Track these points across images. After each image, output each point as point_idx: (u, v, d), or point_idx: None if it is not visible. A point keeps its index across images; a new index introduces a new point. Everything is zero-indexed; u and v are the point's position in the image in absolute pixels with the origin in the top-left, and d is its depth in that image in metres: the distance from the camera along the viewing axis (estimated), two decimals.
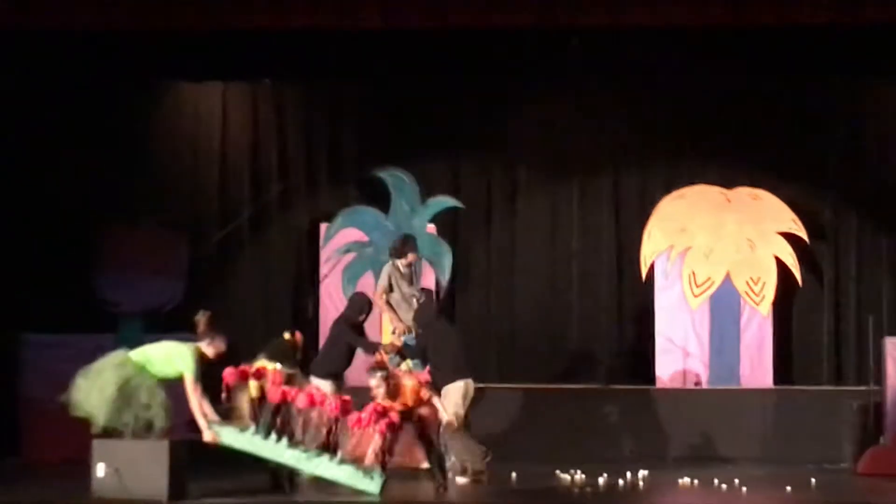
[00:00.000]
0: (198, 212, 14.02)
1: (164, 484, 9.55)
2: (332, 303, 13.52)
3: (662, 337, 13.54)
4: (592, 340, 13.85)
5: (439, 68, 13.10)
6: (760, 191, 13.66)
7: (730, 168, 13.86)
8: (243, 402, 10.22)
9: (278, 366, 10.40)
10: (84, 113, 13.56)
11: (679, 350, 13.50)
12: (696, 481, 10.97)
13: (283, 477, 10.37)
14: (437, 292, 13.59)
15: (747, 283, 13.49)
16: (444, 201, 13.74)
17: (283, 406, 10.16)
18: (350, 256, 13.56)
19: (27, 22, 10.97)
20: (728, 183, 13.75)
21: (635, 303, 13.86)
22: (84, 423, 10.49)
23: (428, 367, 11.12)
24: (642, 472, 11.15)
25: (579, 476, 10.98)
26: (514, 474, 11.20)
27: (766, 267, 13.48)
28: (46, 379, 12.63)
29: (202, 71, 13.30)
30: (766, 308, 13.46)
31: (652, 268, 13.59)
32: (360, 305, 11.68)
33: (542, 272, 13.96)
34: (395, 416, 10.20)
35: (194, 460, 10.10)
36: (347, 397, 10.40)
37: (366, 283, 13.49)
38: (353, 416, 10.22)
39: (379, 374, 10.43)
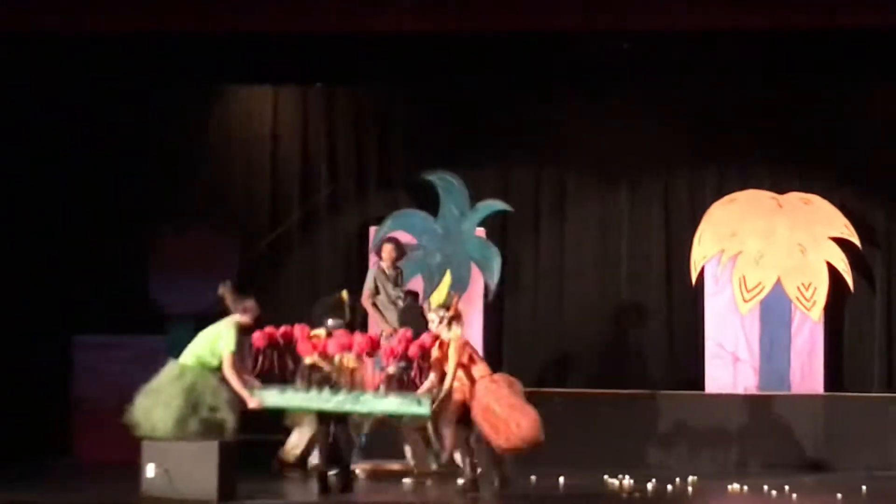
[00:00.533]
0: (248, 215, 14.08)
1: (214, 485, 9.60)
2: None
3: (712, 342, 13.46)
4: (641, 345, 13.77)
5: (489, 71, 13.07)
6: (812, 195, 13.56)
7: (781, 172, 13.76)
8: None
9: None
10: (136, 116, 13.65)
11: (729, 355, 13.42)
12: (745, 487, 10.93)
13: (331, 477, 10.40)
14: (486, 296, 13.62)
15: (798, 288, 13.39)
16: (494, 205, 13.73)
17: (319, 357, 10.34)
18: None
19: (82, 26, 11.04)
20: (779, 187, 13.66)
21: (685, 308, 13.78)
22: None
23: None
24: (691, 478, 11.11)
25: (628, 481, 10.94)
26: (561, 479, 11.18)
27: (817, 272, 13.38)
28: (98, 380, 12.81)
29: (253, 75, 13.34)
30: (817, 314, 13.36)
31: (702, 272, 13.52)
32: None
33: (591, 276, 13.90)
34: (427, 340, 10.17)
35: (244, 461, 10.16)
36: (374, 335, 10.59)
37: (414, 286, 13.52)
38: (386, 348, 10.30)
39: (443, 312, 10.37)
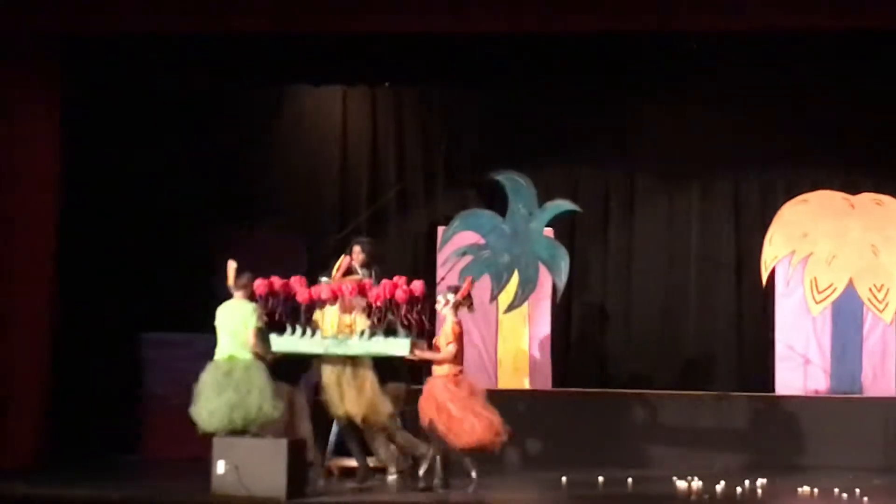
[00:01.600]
0: (316, 214, 14.14)
1: (283, 482, 9.64)
2: None
3: (782, 344, 13.34)
4: (711, 346, 13.69)
5: (558, 71, 13.04)
6: (884, 196, 13.41)
7: (853, 173, 13.63)
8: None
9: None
10: (206, 116, 13.77)
11: (799, 357, 13.30)
12: (815, 490, 10.81)
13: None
14: (554, 296, 13.59)
15: (870, 290, 13.25)
16: (562, 205, 13.66)
17: (314, 304, 10.80)
18: (467, 259, 13.54)
19: (153, 26, 11.14)
20: (850, 188, 13.52)
21: (755, 309, 13.68)
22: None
23: None
24: (761, 481, 11.02)
25: (696, 483, 10.87)
26: (629, 480, 11.14)
27: (890, 274, 13.23)
28: (167, 377, 12.90)
29: (323, 75, 13.39)
30: (889, 316, 13.21)
31: (772, 273, 13.40)
32: None
33: (660, 276, 13.83)
34: (417, 287, 10.50)
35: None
36: (365, 280, 11.02)
37: (482, 286, 13.51)
38: (373, 293, 10.64)
39: (451, 295, 10.67)
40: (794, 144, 13.66)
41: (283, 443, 9.80)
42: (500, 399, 12.95)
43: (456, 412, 10.49)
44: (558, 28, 10.96)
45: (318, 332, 10.71)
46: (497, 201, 13.73)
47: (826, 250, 13.35)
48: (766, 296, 13.49)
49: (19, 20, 11.12)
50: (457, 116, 14.14)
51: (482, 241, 13.55)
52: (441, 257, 13.60)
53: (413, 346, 10.66)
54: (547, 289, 13.55)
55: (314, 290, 10.74)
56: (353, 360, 10.87)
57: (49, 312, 11.67)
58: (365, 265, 12.03)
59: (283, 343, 10.70)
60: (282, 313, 10.73)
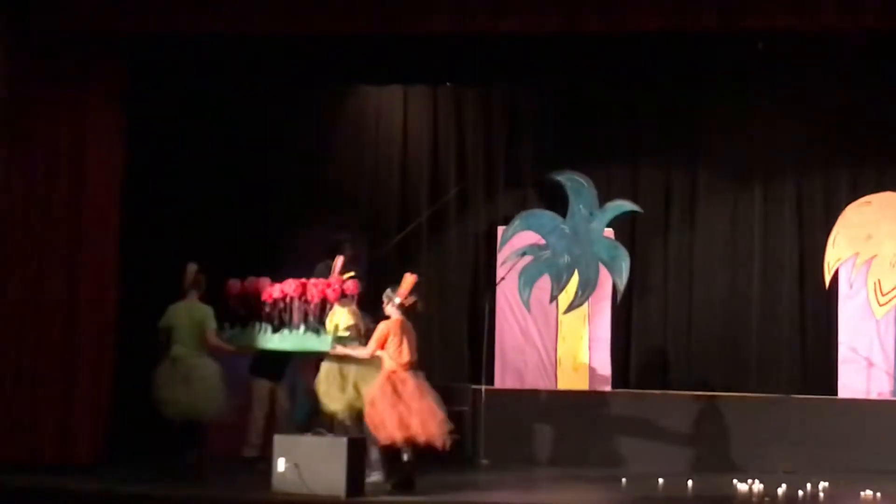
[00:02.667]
0: (377, 214, 14.18)
1: (343, 480, 9.67)
2: (508, 305, 13.55)
3: (846, 346, 13.21)
4: (773, 348, 13.56)
5: (619, 71, 12.97)
6: None
7: None
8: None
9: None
10: (269, 116, 13.84)
11: (863, 360, 13.17)
12: (878, 494, 10.70)
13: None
14: (614, 297, 13.54)
15: None
16: (623, 205, 13.65)
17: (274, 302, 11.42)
18: (527, 259, 13.56)
19: (217, 26, 11.21)
20: None
21: (818, 311, 13.55)
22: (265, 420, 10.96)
23: None
24: (823, 484, 10.93)
25: (758, 486, 10.80)
26: (689, 482, 11.09)
27: None
28: (230, 374, 12.95)
29: (384, 75, 13.42)
30: None
31: (836, 275, 13.29)
32: None
33: (721, 278, 13.73)
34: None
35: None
36: (313, 280, 11.41)
37: (542, 286, 13.51)
38: (313, 292, 11.11)
39: (397, 300, 10.82)
40: (858, 145, 13.53)
41: (343, 441, 9.84)
42: (560, 400, 13.04)
43: (383, 408, 10.47)
44: (620, 27, 10.88)
45: (269, 329, 11.24)
46: (558, 201, 13.75)
47: (890, 252, 13.22)
48: (829, 298, 13.37)
49: (87, 20, 11.22)
50: (517, 116, 14.12)
51: (542, 242, 13.57)
52: (501, 257, 13.61)
53: (338, 342, 10.94)
54: (607, 289, 13.53)
55: (282, 285, 11.32)
56: (348, 359, 11.06)
57: (114, 308, 11.75)
58: (348, 263, 12.06)
59: (239, 338, 11.41)
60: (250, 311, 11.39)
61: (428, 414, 10.54)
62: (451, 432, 10.63)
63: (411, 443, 10.45)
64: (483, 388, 12.88)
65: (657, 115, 13.80)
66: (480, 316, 13.48)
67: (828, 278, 13.27)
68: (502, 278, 13.42)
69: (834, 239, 13.29)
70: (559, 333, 13.53)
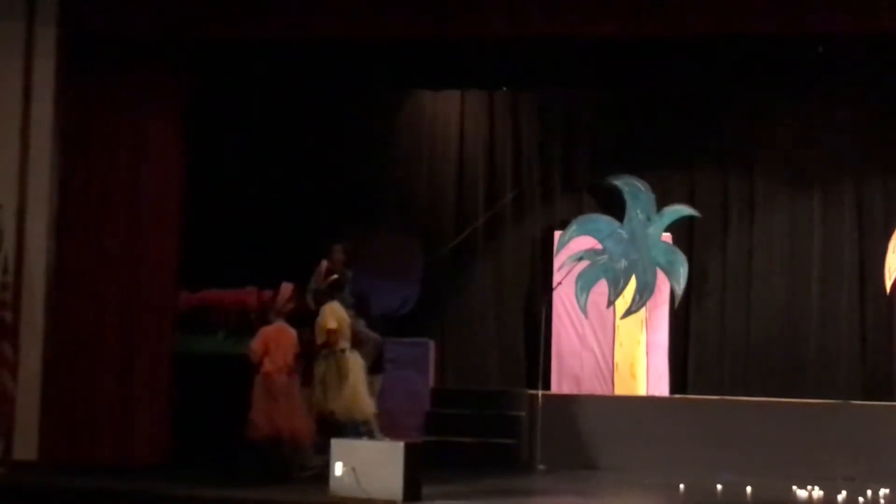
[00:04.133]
0: (433, 218, 14.20)
1: (400, 485, 9.68)
2: (564, 310, 13.52)
3: None
4: (831, 354, 13.45)
5: (676, 75, 12.91)
6: None
7: None
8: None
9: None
10: (326, 120, 13.90)
11: None
12: None
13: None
14: (672, 302, 13.48)
15: None
16: (680, 210, 13.59)
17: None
18: (584, 264, 13.52)
19: (276, 33, 11.25)
20: None
21: (877, 316, 13.42)
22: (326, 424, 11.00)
23: None
24: (883, 491, 10.83)
25: (817, 492, 10.71)
26: (748, 488, 11.02)
27: None
28: None
29: (440, 79, 13.43)
30: None
31: None
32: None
33: (780, 283, 13.63)
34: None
35: (429, 463, 10.24)
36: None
37: (599, 291, 13.47)
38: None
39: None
40: None
41: (399, 446, 9.84)
42: (617, 405, 12.98)
43: (256, 406, 11.18)
44: (679, 30, 10.82)
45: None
46: (615, 206, 13.69)
47: None
48: (889, 303, 13.24)
49: (146, 30, 11.30)
50: (574, 120, 14.10)
51: (599, 247, 13.53)
52: (557, 262, 13.58)
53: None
54: (665, 294, 13.48)
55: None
56: (339, 358, 11.32)
57: (172, 315, 11.84)
58: (343, 266, 12.17)
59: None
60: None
61: (295, 413, 11.15)
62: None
63: (277, 438, 11.05)
64: (540, 393, 12.85)
65: (715, 119, 13.73)
66: (537, 321, 13.45)
67: (888, 284, 13.13)
68: (559, 283, 13.39)
69: (894, 244, 13.15)
70: (616, 338, 13.49)
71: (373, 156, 14.13)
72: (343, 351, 11.41)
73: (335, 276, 11.97)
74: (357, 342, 11.75)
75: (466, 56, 12.39)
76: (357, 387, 11.29)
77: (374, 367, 12.11)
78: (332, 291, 11.73)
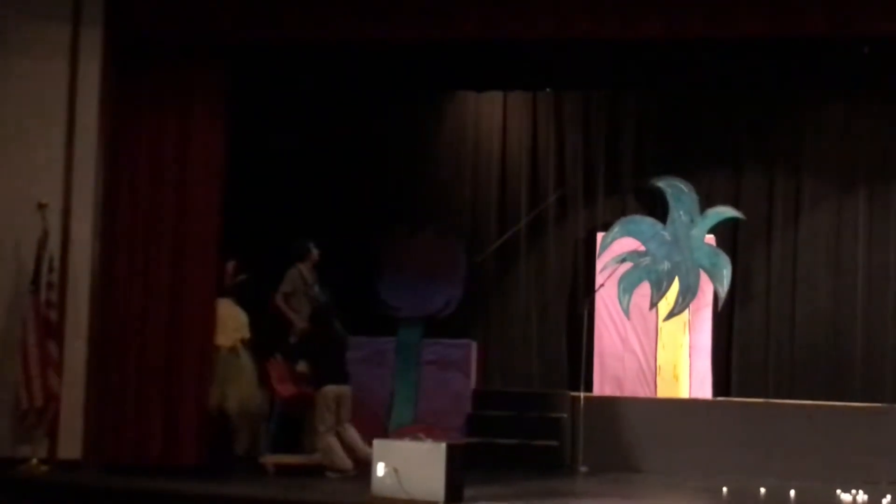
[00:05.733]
0: (476, 219, 14.20)
1: (442, 486, 9.67)
2: (607, 312, 13.48)
3: None
4: (877, 357, 13.33)
5: (721, 76, 12.83)
6: None
7: None
8: None
9: None
10: (369, 122, 13.93)
11: None
12: None
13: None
14: (716, 304, 13.42)
15: None
16: (724, 212, 13.52)
17: None
18: (626, 266, 13.49)
19: (321, 35, 11.27)
20: None
21: None
22: (367, 424, 11.01)
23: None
24: None
25: (861, 497, 10.64)
26: (792, 492, 10.95)
27: None
28: None
29: (483, 81, 13.41)
30: None
31: None
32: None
33: (826, 285, 13.53)
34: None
35: (471, 464, 10.23)
36: None
37: (642, 293, 13.42)
38: None
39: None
40: None
41: (442, 447, 9.84)
42: (659, 407, 12.94)
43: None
44: (724, 31, 10.76)
45: None
46: (658, 208, 13.65)
47: None
48: None
49: (194, 28, 11.36)
50: (617, 121, 14.05)
51: (642, 248, 13.49)
52: (600, 264, 13.54)
53: None
54: (708, 297, 13.41)
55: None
56: (228, 356, 11.86)
57: (215, 312, 11.87)
58: (314, 266, 12.44)
59: None
60: None
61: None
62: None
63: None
64: (582, 395, 12.83)
65: (760, 120, 13.66)
66: (579, 323, 13.42)
67: None
68: (601, 285, 13.35)
69: None
70: (659, 341, 13.43)
71: (415, 158, 14.16)
72: (233, 349, 11.97)
73: (243, 276, 12.21)
74: (326, 342, 11.88)
75: (510, 57, 12.36)
76: (250, 382, 11.98)
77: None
78: (238, 292, 12.11)
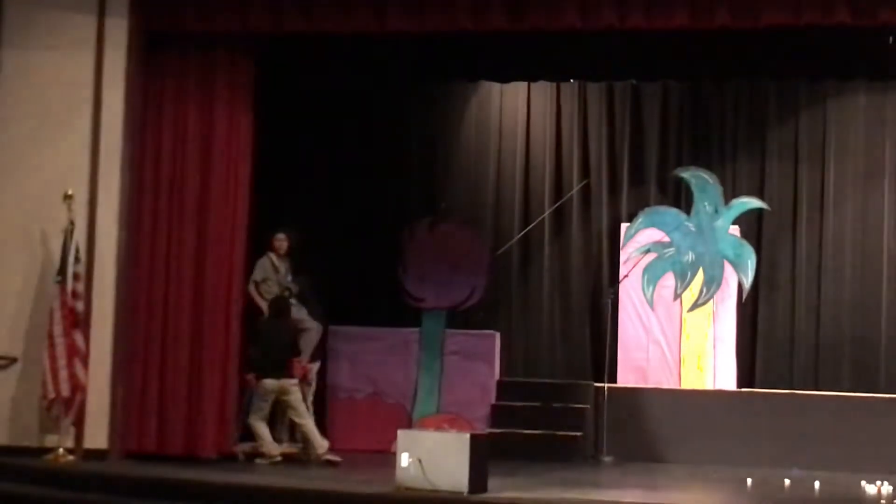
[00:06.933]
0: (500, 210, 14.19)
1: (466, 476, 9.68)
2: (631, 302, 13.47)
3: None
4: None
5: (745, 66, 12.77)
6: None
7: None
8: None
9: None
10: (394, 113, 13.95)
11: None
12: None
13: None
14: (740, 295, 13.39)
15: None
16: (749, 202, 13.50)
17: None
18: (650, 256, 13.48)
19: (346, 25, 11.26)
20: None
21: None
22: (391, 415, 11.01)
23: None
24: None
25: (886, 488, 10.61)
26: (816, 483, 10.93)
27: None
28: (353, 370, 13.08)
29: (508, 71, 13.39)
30: None
31: None
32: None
33: (851, 276, 13.49)
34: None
35: (495, 454, 10.24)
36: None
37: (666, 284, 13.41)
38: None
39: None
40: None
41: (466, 437, 9.84)
42: (683, 398, 12.93)
43: None
44: (749, 22, 10.71)
45: None
46: (682, 198, 13.63)
47: None
48: None
49: (219, 19, 11.37)
50: (641, 112, 14.03)
51: (666, 239, 13.48)
52: (624, 254, 13.53)
53: None
54: (732, 288, 13.40)
55: None
56: None
57: (240, 304, 11.91)
58: (286, 255, 12.30)
59: None
60: None
61: None
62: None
63: None
64: (605, 385, 12.83)
65: (785, 110, 13.64)
66: (603, 313, 13.43)
67: None
68: (625, 276, 13.35)
69: None
70: (683, 332, 13.42)
71: (439, 148, 14.18)
72: None
73: None
74: (299, 331, 12.07)
75: (534, 48, 12.34)
76: None
77: (314, 356, 12.51)
78: None
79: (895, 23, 10.68)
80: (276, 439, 11.94)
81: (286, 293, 12.28)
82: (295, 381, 11.83)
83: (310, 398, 12.39)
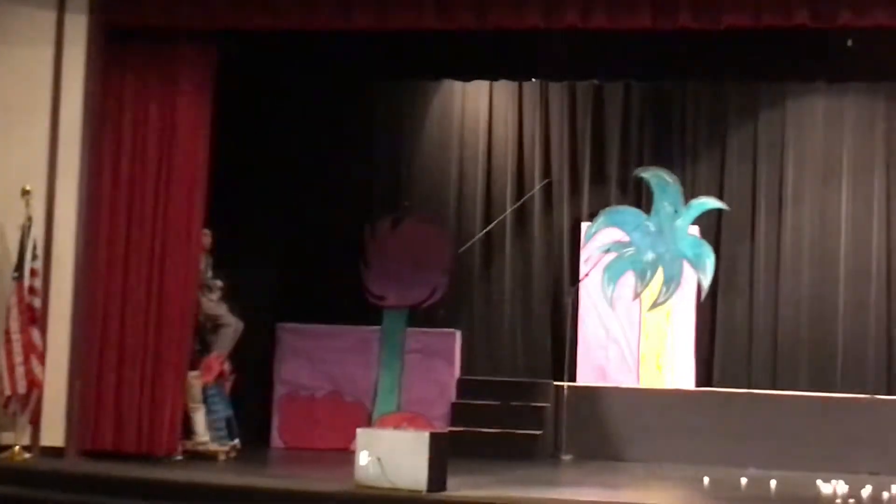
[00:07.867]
0: (461, 208, 14.20)
1: (425, 475, 9.69)
2: (591, 302, 13.51)
3: None
4: (859, 349, 13.39)
5: (706, 67, 12.85)
6: None
7: None
8: None
9: None
10: (353, 111, 13.93)
11: None
12: None
13: None
14: (699, 295, 13.45)
15: None
16: (708, 202, 13.56)
17: None
18: (611, 256, 13.52)
19: (307, 21, 11.22)
20: None
21: None
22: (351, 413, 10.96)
23: None
24: None
25: (842, 487, 10.68)
26: (772, 482, 10.99)
27: None
28: (311, 368, 13.05)
29: (469, 70, 13.39)
30: None
31: None
32: None
33: (809, 276, 13.58)
34: None
35: (454, 453, 10.25)
36: None
37: (626, 283, 13.46)
38: None
39: None
40: None
41: (425, 436, 9.85)
42: (642, 397, 12.98)
43: None
44: (710, 23, 10.76)
45: None
46: (642, 198, 13.68)
47: None
48: None
49: (179, 15, 11.31)
50: (603, 112, 14.07)
51: (626, 239, 13.53)
52: (584, 254, 13.57)
53: None
54: (692, 287, 13.44)
55: None
56: None
57: (198, 302, 11.85)
58: (209, 251, 12.16)
59: None
60: None
61: None
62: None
63: None
64: (565, 384, 12.87)
65: (745, 111, 13.71)
66: (563, 312, 13.46)
67: None
68: (586, 275, 13.38)
69: None
70: (642, 331, 13.47)
71: (400, 147, 14.16)
72: None
73: None
74: (217, 326, 11.96)
75: (496, 47, 12.35)
76: None
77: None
78: None
79: (854, 26, 10.75)
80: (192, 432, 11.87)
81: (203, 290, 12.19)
82: (196, 373, 11.73)
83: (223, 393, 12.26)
